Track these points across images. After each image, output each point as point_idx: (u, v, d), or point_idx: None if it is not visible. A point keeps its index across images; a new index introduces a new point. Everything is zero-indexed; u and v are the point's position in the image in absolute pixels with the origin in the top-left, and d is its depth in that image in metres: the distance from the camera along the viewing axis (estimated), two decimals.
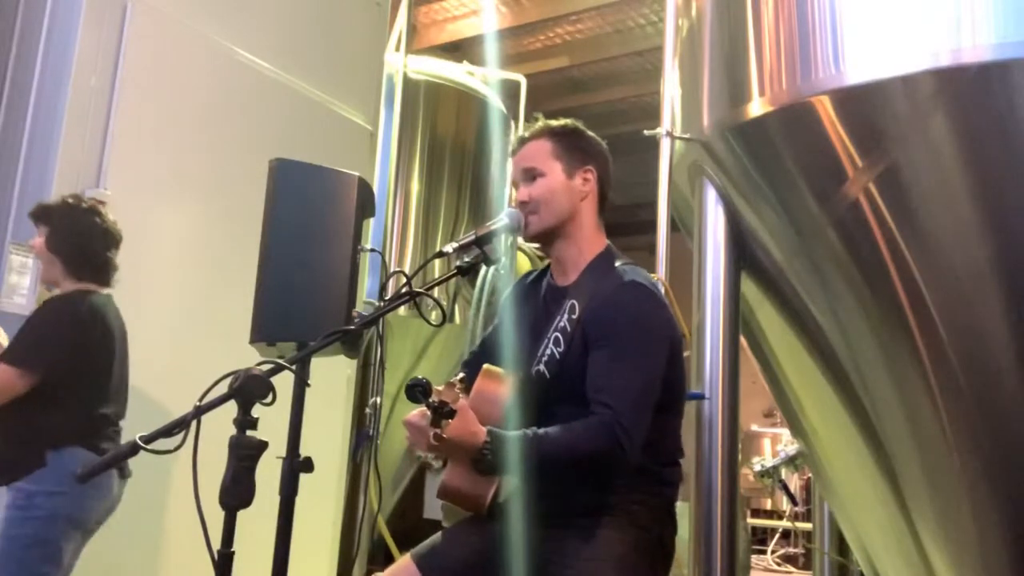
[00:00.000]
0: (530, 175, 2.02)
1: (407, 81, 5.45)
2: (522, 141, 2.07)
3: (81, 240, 2.77)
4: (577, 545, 1.84)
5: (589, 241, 2.02)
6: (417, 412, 1.89)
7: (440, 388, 1.80)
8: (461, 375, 2.02)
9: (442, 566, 1.93)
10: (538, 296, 2.09)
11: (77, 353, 2.67)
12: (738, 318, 2.91)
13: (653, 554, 1.90)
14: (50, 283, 2.83)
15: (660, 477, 1.94)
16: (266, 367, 1.72)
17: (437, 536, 2.02)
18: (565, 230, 2.02)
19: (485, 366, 2.00)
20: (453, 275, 1.99)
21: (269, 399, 1.67)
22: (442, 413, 1.74)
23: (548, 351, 1.93)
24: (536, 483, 1.92)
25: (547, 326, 1.96)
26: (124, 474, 2.79)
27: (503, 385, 1.94)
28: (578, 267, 2.01)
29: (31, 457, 2.59)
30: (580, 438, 1.78)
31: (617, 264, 1.98)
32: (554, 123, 2.08)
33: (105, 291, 2.82)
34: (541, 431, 1.80)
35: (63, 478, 2.56)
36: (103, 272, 2.81)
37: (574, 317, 1.91)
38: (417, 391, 1.71)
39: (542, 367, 1.93)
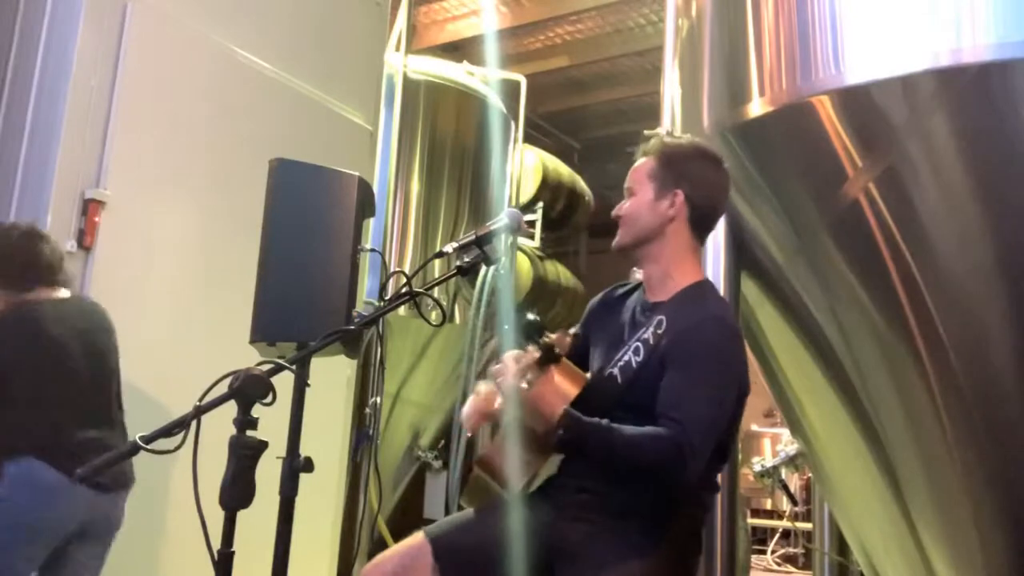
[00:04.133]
0: (628, 193, 2.07)
1: (407, 81, 5.45)
2: (638, 157, 2.11)
3: None
4: (602, 547, 1.84)
5: (680, 266, 2.02)
6: (520, 352, 1.92)
7: (554, 335, 1.81)
8: (574, 330, 2.04)
9: (455, 545, 1.93)
10: (628, 307, 2.10)
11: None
12: (738, 318, 2.91)
13: (674, 569, 1.90)
14: None
15: (697, 498, 1.96)
16: (266, 367, 1.72)
17: (453, 516, 2.03)
18: (648, 250, 2.03)
19: (564, 360, 2.00)
20: (453, 275, 1.99)
21: (269, 399, 1.67)
22: (551, 356, 1.74)
23: (626, 357, 1.94)
24: (572, 474, 1.94)
25: (632, 334, 1.98)
26: (101, 487, 2.72)
27: (575, 385, 1.94)
28: (667, 287, 2.01)
29: None
30: (650, 444, 1.79)
31: (713, 299, 2.01)
32: (669, 141, 2.09)
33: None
34: (616, 425, 1.81)
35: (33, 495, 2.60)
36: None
37: (659, 332, 1.91)
38: (532, 329, 1.75)
39: (616, 371, 1.94)
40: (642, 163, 2.08)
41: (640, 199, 2.03)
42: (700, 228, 2.05)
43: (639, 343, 1.93)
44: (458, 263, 1.97)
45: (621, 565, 1.82)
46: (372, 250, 2.64)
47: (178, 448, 1.62)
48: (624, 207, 2.06)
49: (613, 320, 2.10)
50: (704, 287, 2.03)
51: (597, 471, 1.89)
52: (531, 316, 1.74)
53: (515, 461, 1.89)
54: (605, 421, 1.82)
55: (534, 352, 1.80)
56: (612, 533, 1.85)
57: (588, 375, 2.03)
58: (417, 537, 1.96)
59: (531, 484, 1.92)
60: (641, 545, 1.84)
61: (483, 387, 1.99)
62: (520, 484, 1.89)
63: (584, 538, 1.86)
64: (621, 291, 2.18)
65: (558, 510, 1.93)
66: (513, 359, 1.92)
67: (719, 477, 2.75)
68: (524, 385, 1.79)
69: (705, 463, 1.81)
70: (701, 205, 2.02)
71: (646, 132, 3.03)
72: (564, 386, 1.93)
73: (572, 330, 2.10)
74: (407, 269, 5.34)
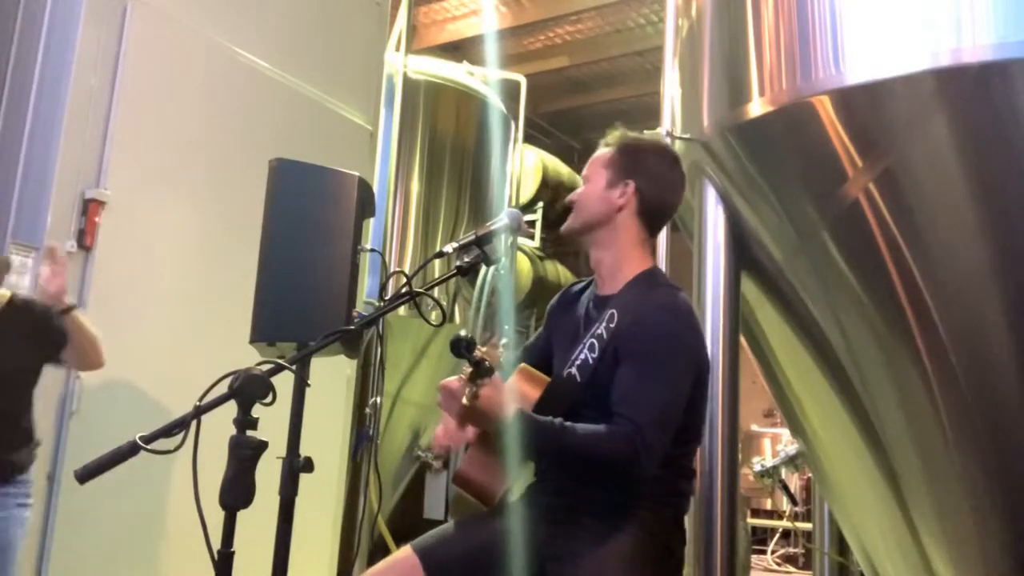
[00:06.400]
0: (584, 180, 2.10)
1: (407, 81, 5.45)
2: (600, 148, 2.13)
3: None
4: (584, 545, 1.85)
5: (628, 255, 2.03)
6: (455, 378, 1.92)
7: (484, 349, 1.82)
8: (505, 340, 2.06)
9: (444, 558, 1.93)
10: (582, 303, 2.12)
11: None
12: (738, 318, 2.91)
13: (660, 561, 1.91)
14: None
15: (674, 487, 1.97)
16: (266, 367, 1.72)
17: (440, 528, 2.04)
18: (597, 237, 2.05)
19: (523, 365, 2.04)
20: (453, 275, 2.00)
21: (269, 399, 1.67)
22: (483, 370, 1.76)
23: (582, 355, 1.95)
24: (551, 478, 1.96)
25: (586, 331, 1.99)
26: None
27: (536, 388, 1.97)
28: (616, 279, 2.03)
29: (31, 451, 2.68)
30: (602, 441, 1.80)
31: (660, 285, 2.01)
32: (629, 135, 2.11)
33: None
34: (568, 424, 1.82)
35: None
36: None
37: (611, 326, 1.93)
38: (461, 345, 1.73)
39: (574, 370, 1.96)
40: (600, 153, 2.10)
41: (592, 186, 2.06)
42: (650, 222, 2.06)
43: (593, 339, 1.95)
44: (458, 263, 1.98)
45: (603, 563, 1.83)
46: (372, 250, 2.64)
47: (178, 448, 1.62)
48: (577, 193, 2.09)
49: (569, 318, 2.11)
50: (651, 275, 2.03)
51: (565, 471, 1.91)
52: (461, 333, 1.75)
53: (487, 475, 1.91)
54: (559, 420, 1.83)
55: (467, 368, 1.82)
56: (594, 532, 1.86)
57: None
58: (405, 551, 1.96)
59: (508, 494, 1.92)
60: (623, 541, 1.85)
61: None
62: (495, 499, 1.91)
63: (566, 537, 1.88)
64: (576, 289, 2.20)
65: (539, 514, 1.94)
66: (448, 386, 1.94)
67: (717, 475, 2.77)
68: (465, 401, 1.81)
69: (660, 455, 1.82)
70: (651, 198, 2.04)
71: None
72: (525, 390, 1.95)
73: (503, 340, 2.12)
74: (407, 269, 5.33)
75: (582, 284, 2.19)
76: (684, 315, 1.96)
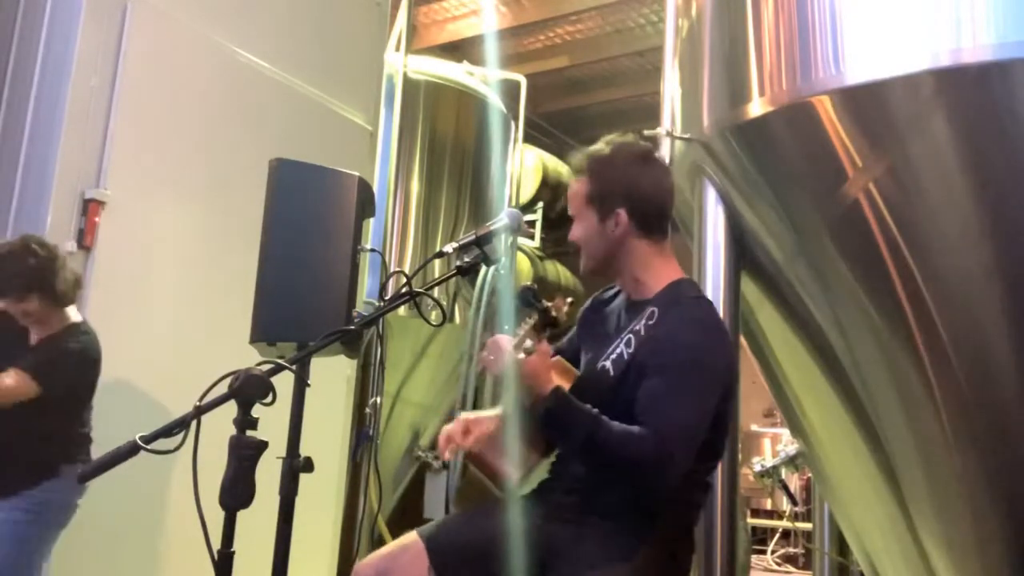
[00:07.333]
0: (573, 218, 2.08)
1: (407, 81, 5.45)
2: (573, 174, 2.11)
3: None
4: (587, 544, 1.85)
5: (649, 268, 2.02)
6: (505, 336, 1.92)
7: (551, 302, 1.84)
8: (571, 299, 2.07)
9: (449, 547, 1.94)
10: (614, 308, 2.12)
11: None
12: (738, 318, 2.91)
13: (664, 567, 1.91)
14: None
15: (687, 497, 1.96)
16: (266, 367, 1.72)
17: (446, 518, 2.04)
18: (615, 267, 2.05)
19: (558, 358, 2.03)
20: (453, 275, 2.00)
21: (269, 399, 1.67)
22: (549, 320, 1.79)
23: (618, 350, 1.95)
24: (564, 478, 1.96)
25: (621, 331, 1.99)
26: None
27: (566, 381, 1.96)
28: (643, 292, 2.02)
29: (44, 469, 2.74)
30: (632, 443, 1.78)
31: (690, 297, 2.00)
32: (594, 155, 2.05)
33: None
34: (604, 417, 1.81)
35: (76, 490, 2.77)
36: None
37: (651, 323, 1.92)
38: (529, 294, 1.79)
39: (608, 364, 1.95)
40: (577, 187, 2.06)
41: (586, 226, 2.03)
42: (654, 230, 2.03)
43: (631, 335, 1.94)
44: (458, 263, 1.98)
45: (607, 568, 1.82)
46: (372, 250, 2.65)
47: (178, 448, 1.62)
48: (576, 234, 2.07)
49: (602, 321, 2.11)
50: (680, 288, 2.01)
51: (582, 471, 1.91)
52: (527, 283, 1.77)
53: (508, 455, 1.91)
54: (596, 411, 1.82)
55: (531, 320, 1.82)
56: (600, 534, 1.86)
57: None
58: (411, 536, 1.97)
59: (523, 481, 1.92)
60: (629, 546, 1.84)
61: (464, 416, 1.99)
62: (514, 478, 1.90)
63: (573, 539, 1.87)
64: (608, 294, 2.20)
65: (548, 512, 1.94)
66: (498, 340, 1.92)
67: (717, 475, 2.77)
68: (522, 355, 1.80)
69: (683, 469, 1.81)
70: (645, 211, 2.01)
71: (646, 132, 3.04)
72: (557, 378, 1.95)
73: (569, 335, 2.13)
74: (407, 269, 5.33)
75: (615, 289, 2.18)
76: (712, 330, 1.95)
